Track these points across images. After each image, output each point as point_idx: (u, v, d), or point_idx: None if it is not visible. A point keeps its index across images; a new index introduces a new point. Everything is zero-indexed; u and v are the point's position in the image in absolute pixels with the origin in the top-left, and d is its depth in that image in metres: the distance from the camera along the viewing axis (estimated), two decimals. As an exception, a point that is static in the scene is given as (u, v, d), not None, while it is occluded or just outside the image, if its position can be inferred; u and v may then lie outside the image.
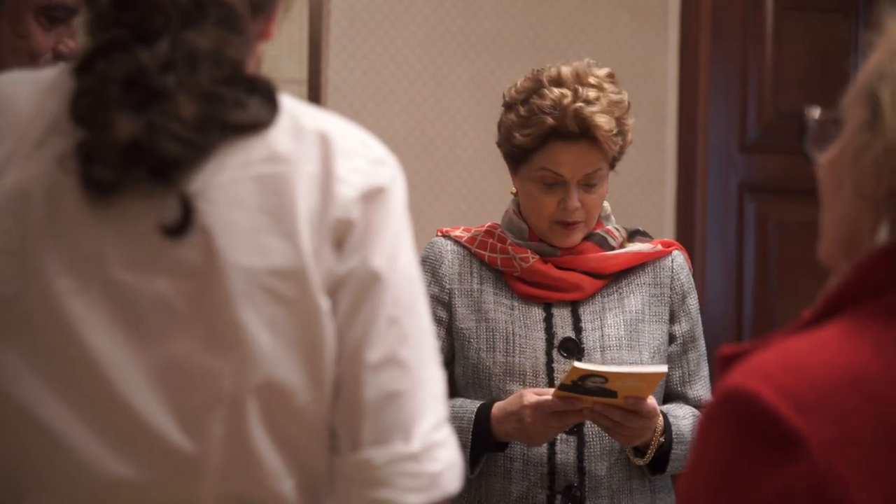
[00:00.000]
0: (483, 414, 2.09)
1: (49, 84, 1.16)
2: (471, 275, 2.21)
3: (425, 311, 1.19)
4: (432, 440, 1.15)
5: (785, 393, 0.91)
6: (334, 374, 1.15)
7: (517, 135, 2.14)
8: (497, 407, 2.09)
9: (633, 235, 2.29)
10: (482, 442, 2.09)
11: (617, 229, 2.26)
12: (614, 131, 2.13)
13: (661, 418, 2.08)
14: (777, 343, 0.98)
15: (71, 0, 1.83)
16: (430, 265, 2.23)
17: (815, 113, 1.08)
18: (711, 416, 0.95)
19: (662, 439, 2.09)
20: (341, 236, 1.14)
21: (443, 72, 4.04)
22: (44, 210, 1.11)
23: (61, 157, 1.11)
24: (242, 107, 1.12)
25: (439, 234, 2.28)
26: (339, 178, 1.14)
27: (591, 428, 2.11)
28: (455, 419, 2.10)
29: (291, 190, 1.13)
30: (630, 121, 2.18)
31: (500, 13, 4.08)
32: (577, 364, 1.94)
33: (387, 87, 4.00)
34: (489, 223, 2.28)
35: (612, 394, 1.97)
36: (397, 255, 1.16)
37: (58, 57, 1.83)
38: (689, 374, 2.22)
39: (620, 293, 2.21)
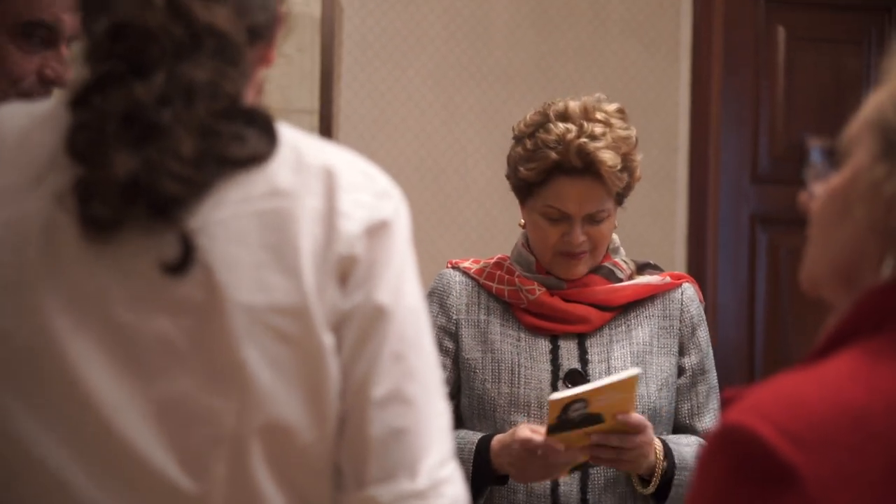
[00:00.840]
0: (483, 446, 2.09)
1: (45, 117, 1.15)
2: (478, 306, 2.22)
3: (430, 344, 1.18)
4: (438, 477, 1.13)
5: (782, 429, 0.92)
6: (338, 411, 1.14)
7: (522, 168, 2.14)
8: (496, 439, 2.08)
9: (642, 268, 2.28)
10: (483, 475, 2.08)
11: (625, 262, 2.26)
12: (619, 167, 2.12)
13: (657, 441, 2.07)
14: (777, 379, 0.98)
15: (51, 18, 1.73)
16: (437, 296, 2.23)
17: (816, 142, 1.09)
18: (710, 452, 0.95)
19: (665, 463, 2.07)
20: (345, 272, 1.13)
21: (454, 102, 4.05)
22: (41, 246, 1.10)
23: (59, 195, 1.09)
24: (241, 140, 1.11)
25: (449, 265, 2.28)
26: (343, 213, 1.13)
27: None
28: (457, 451, 2.08)
29: (293, 225, 1.11)
30: (638, 157, 2.18)
31: (512, 44, 4.09)
32: (552, 397, 1.92)
33: (398, 117, 4.00)
34: (499, 255, 2.29)
35: (599, 418, 1.95)
36: (402, 289, 1.15)
37: (43, 81, 1.74)
38: (697, 407, 2.21)
39: (628, 325, 2.20)
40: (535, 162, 2.12)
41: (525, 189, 2.17)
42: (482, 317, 2.20)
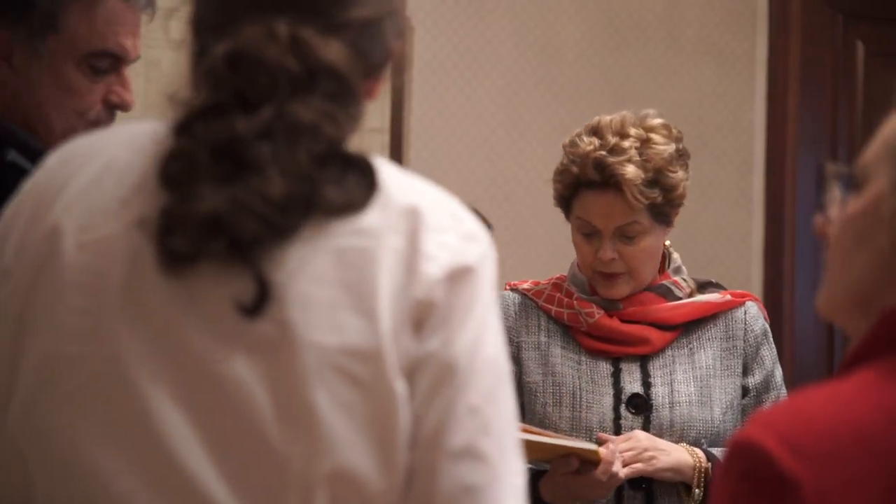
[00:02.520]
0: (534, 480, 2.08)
1: (145, 139, 1.12)
2: (538, 328, 2.20)
3: (509, 398, 1.12)
4: None
5: (785, 440, 0.96)
6: (408, 462, 1.09)
7: (555, 183, 2.18)
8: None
9: (703, 287, 2.24)
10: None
11: (685, 280, 2.22)
12: (643, 180, 2.07)
13: (698, 451, 2.07)
14: (794, 396, 1.03)
15: (116, 47, 1.72)
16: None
17: (834, 168, 1.11)
18: (724, 464, 1.00)
19: (707, 469, 2.06)
20: (422, 317, 1.08)
21: (524, 120, 4.03)
22: (122, 273, 1.08)
23: (143, 221, 1.07)
24: (337, 185, 1.07)
25: (507, 287, 2.26)
26: (426, 255, 1.08)
27: (659, 483, 2.08)
28: None
29: (373, 265, 1.07)
30: (679, 172, 2.12)
31: (583, 62, 4.06)
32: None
33: (468, 136, 3.99)
34: (556, 276, 2.27)
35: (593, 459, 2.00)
36: (482, 340, 1.10)
37: (109, 107, 1.74)
38: None
39: (691, 348, 2.17)
40: (563, 175, 2.15)
41: (563, 204, 2.19)
42: (542, 339, 2.19)
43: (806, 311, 4.23)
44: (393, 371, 1.07)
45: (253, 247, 1.05)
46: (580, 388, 2.13)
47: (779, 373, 2.20)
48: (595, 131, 2.13)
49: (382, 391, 1.07)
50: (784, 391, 2.20)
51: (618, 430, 2.10)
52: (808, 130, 4.23)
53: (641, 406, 2.11)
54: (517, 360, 2.18)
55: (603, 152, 2.08)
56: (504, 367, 1.13)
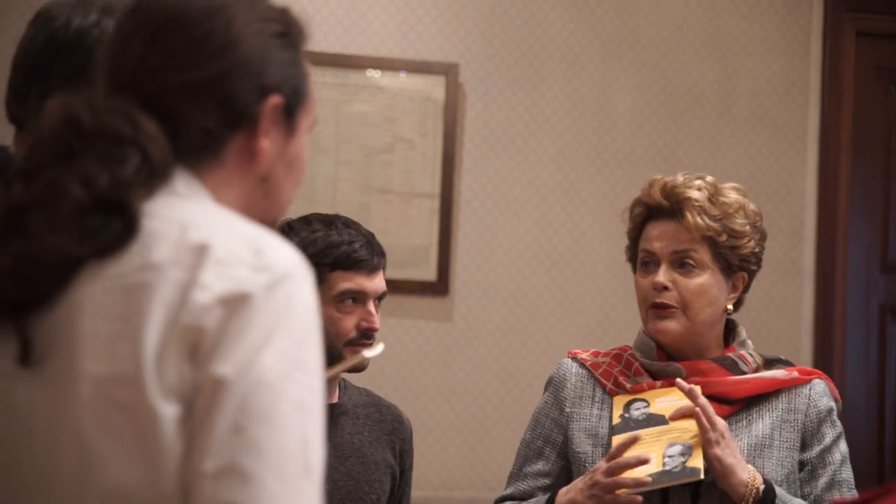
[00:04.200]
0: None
1: None
2: (592, 399, 2.20)
3: (296, 422, 1.13)
4: None
5: None
6: (184, 483, 1.13)
7: (627, 225, 2.23)
8: (560, 492, 2.11)
9: (770, 363, 2.22)
10: None
11: (752, 355, 2.20)
12: (708, 209, 2.12)
13: (758, 476, 2.05)
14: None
15: None
16: (553, 387, 2.24)
17: None
18: None
19: (762, 490, 2.04)
20: (195, 342, 1.12)
21: (575, 188, 4.03)
22: None
23: None
24: (90, 236, 1.16)
25: (569, 355, 2.27)
26: (200, 285, 1.13)
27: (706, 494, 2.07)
28: None
29: (149, 296, 1.13)
30: (745, 225, 2.15)
31: (634, 129, 4.07)
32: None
33: (518, 203, 4.00)
34: (619, 346, 2.26)
35: (662, 419, 2.01)
36: (256, 362, 1.12)
37: None
38: (814, 499, 2.12)
39: (749, 419, 2.14)
40: (633, 212, 2.21)
41: (632, 250, 2.23)
42: (595, 411, 2.18)
43: (857, 383, 4.18)
44: (154, 394, 1.12)
45: (16, 308, 1.17)
46: None
47: (839, 452, 2.15)
48: (675, 183, 2.20)
49: (144, 413, 1.12)
50: (843, 471, 2.15)
51: (665, 500, 2.08)
52: (860, 200, 4.21)
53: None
54: (566, 429, 2.19)
55: (669, 179, 2.18)
56: (295, 394, 1.13)
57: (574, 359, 2.25)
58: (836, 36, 4.19)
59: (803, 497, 2.12)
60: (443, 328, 3.92)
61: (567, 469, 2.18)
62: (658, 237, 2.15)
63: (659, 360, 2.18)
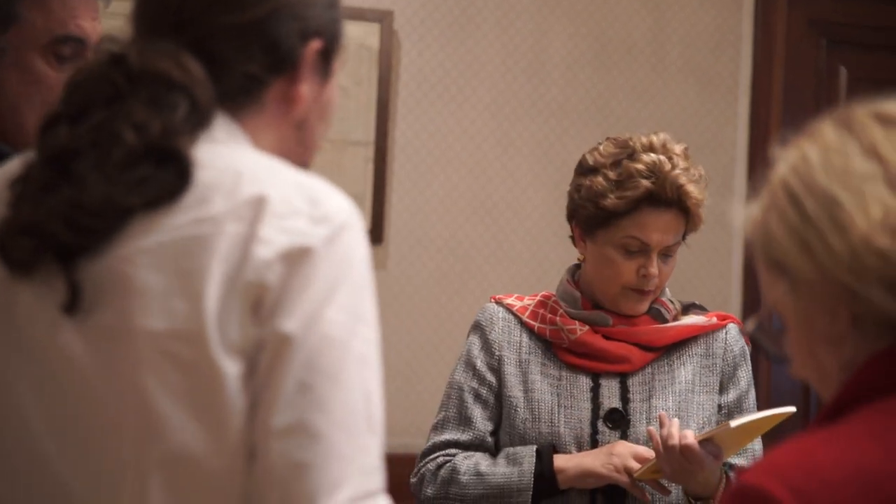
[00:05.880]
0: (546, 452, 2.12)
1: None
2: (520, 344, 2.21)
3: (359, 378, 1.12)
4: None
5: (794, 489, 0.96)
6: (247, 441, 1.11)
7: (611, 196, 2.11)
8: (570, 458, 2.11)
9: (688, 308, 2.27)
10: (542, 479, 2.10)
11: (671, 301, 2.25)
12: (703, 204, 2.14)
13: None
14: (794, 441, 1.02)
15: (77, 30, 1.72)
16: (480, 331, 2.24)
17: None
18: None
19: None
20: (257, 298, 1.11)
21: (509, 137, 4.05)
22: None
23: None
24: (144, 185, 1.13)
25: (492, 300, 2.28)
26: (261, 239, 1.11)
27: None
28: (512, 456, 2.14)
29: (208, 251, 1.11)
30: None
31: (569, 79, 4.08)
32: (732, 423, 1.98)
33: (452, 151, 4.01)
34: (543, 293, 2.28)
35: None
36: (320, 317, 1.11)
37: None
38: None
39: (671, 365, 2.19)
40: (626, 191, 2.11)
41: (602, 221, 2.14)
42: (524, 356, 2.20)
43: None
44: (217, 351, 1.09)
45: (71, 254, 1.12)
46: (558, 405, 2.15)
47: (752, 395, 2.23)
48: (652, 149, 2.13)
49: (207, 372, 1.10)
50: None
51: (594, 445, 2.12)
52: (790, 153, 4.26)
53: (619, 421, 2.13)
54: (498, 373, 2.20)
55: (679, 171, 2.11)
56: (358, 349, 1.13)
57: (499, 303, 2.26)
58: (768, -11, 4.22)
59: None
60: (377, 276, 3.92)
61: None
62: (659, 230, 2.12)
63: (584, 309, 2.20)
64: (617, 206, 2.11)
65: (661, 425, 2.03)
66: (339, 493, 1.08)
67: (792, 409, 2.01)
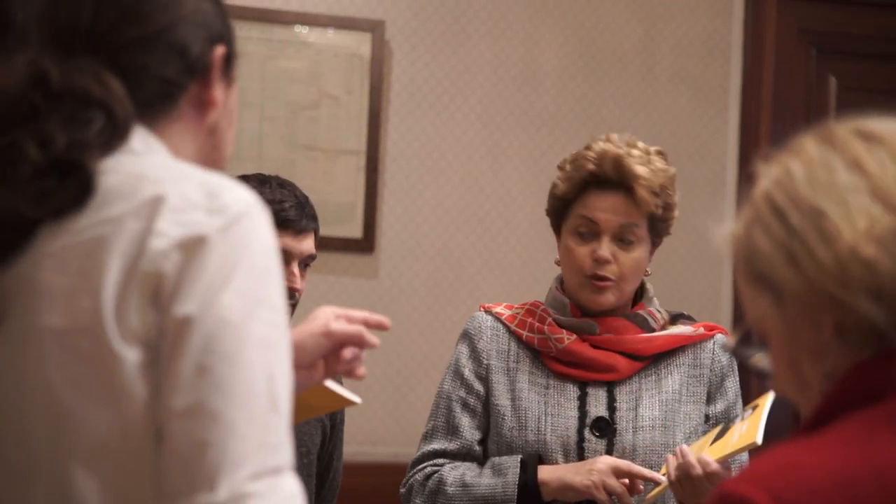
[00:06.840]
0: (532, 465, 2.12)
1: None
2: (508, 353, 2.23)
3: (258, 359, 1.15)
4: (244, 490, 1.11)
5: (776, 496, 0.96)
6: (156, 425, 1.16)
7: (560, 184, 2.19)
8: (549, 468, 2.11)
9: (676, 319, 2.28)
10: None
11: (659, 311, 2.26)
12: (653, 186, 2.14)
13: None
14: (776, 449, 1.02)
15: None
16: (469, 339, 2.25)
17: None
18: None
19: None
20: (155, 288, 1.15)
21: (500, 146, 4.06)
22: None
23: None
24: (43, 198, 1.18)
25: (481, 309, 2.29)
26: (156, 232, 1.16)
27: None
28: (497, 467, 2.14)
29: (107, 249, 1.16)
30: (676, 196, 2.19)
31: (559, 88, 4.10)
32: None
33: (444, 160, 4.02)
34: (531, 301, 2.29)
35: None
36: (216, 301, 1.14)
37: None
38: None
39: (658, 374, 2.20)
40: (573, 174, 2.17)
41: (560, 210, 2.20)
42: (511, 364, 2.21)
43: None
44: (115, 340, 1.14)
45: None
46: (545, 413, 2.16)
47: (740, 406, 2.24)
48: (607, 140, 2.18)
49: (106, 360, 1.15)
50: None
51: (581, 453, 2.13)
52: (780, 162, 4.27)
53: (605, 429, 2.14)
54: (486, 381, 2.21)
55: (622, 153, 2.14)
56: (258, 332, 1.15)
57: (488, 312, 2.27)
58: (758, -2, 4.24)
59: None
60: (368, 285, 3.93)
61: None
62: (605, 209, 2.15)
63: (573, 315, 2.21)
64: (566, 192, 2.18)
65: (677, 457, 2.04)
66: (241, 470, 1.11)
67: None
